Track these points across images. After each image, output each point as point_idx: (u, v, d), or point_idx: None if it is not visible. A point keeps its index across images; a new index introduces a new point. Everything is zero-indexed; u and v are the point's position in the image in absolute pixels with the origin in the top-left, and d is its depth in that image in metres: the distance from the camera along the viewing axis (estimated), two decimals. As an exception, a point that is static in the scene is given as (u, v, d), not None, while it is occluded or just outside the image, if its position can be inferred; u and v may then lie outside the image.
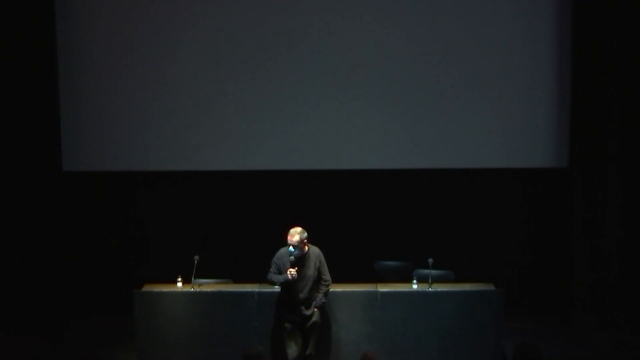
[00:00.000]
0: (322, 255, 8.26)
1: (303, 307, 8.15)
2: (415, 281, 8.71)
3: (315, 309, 8.23)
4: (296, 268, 8.04)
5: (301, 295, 8.13)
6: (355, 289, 8.61)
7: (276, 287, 8.37)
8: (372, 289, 8.63)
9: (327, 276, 8.26)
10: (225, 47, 10.07)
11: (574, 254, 9.99)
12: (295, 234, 8.08)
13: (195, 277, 8.60)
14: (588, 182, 9.88)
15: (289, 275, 8.02)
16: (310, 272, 8.13)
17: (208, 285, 8.85)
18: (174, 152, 10.18)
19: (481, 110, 10.05)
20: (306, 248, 8.17)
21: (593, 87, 9.76)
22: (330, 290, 8.43)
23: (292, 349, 8.17)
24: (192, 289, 8.64)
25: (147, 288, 8.75)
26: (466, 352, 8.47)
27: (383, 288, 8.65)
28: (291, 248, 8.07)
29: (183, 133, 10.16)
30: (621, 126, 9.77)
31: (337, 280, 8.44)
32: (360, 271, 8.99)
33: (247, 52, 10.06)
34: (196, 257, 8.56)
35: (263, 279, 8.38)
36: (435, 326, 8.48)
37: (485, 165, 10.15)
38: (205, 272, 8.72)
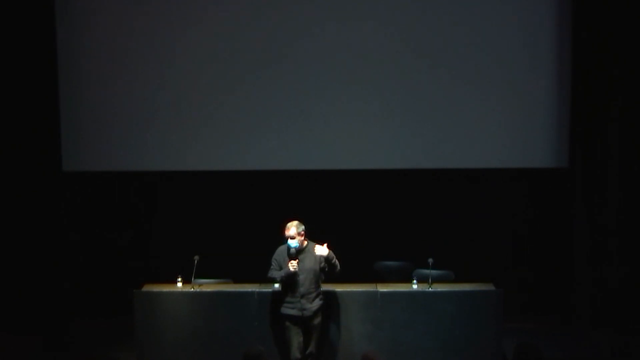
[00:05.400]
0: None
1: (304, 301, 8.14)
2: (415, 281, 8.70)
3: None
4: (297, 260, 8.05)
5: (302, 289, 8.12)
6: (355, 289, 8.61)
7: (276, 285, 8.38)
8: (372, 289, 8.63)
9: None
10: (225, 47, 10.08)
11: (574, 253, 10.00)
12: (292, 227, 8.10)
13: (195, 277, 8.60)
14: (588, 182, 9.88)
15: (290, 268, 8.02)
16: (310, 265, 8.13)
17: (208, 285, 8.85)
18: (174, 152, 10.19)
19: (481, 110, 10.05)
20: (305, 242, 8.17)
21: (593, 87, 9.76)
22: (331, 290, 8.45)
23: (294, 348, 8.17)
24: (192, 289, 8.64)
25: (147, 288, 8.75)
26: (466, 352, 8.47)
27: (383, 288, 8.65)
28: (290, 242, 8.08)
29: (183, 133, 10.16)
30: (621, 126, 9.77)
31: (337, 280, 8.44)
32: (360, 271, 8.98)
33: (247, 52, 10.06)
34: (196, 257, 8.56)
35: (263, 279, 8.38)
36: (435, 326, 8.48)
37: (485, 165, 10.15)
38: (205, 272, 8.72)
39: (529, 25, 9.95)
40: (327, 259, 8.15)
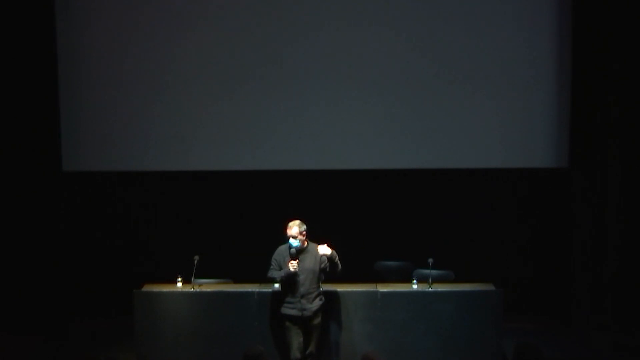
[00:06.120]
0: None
1: (304, 301, 8.13)
2: (415, 281, 8.70)
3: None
4: (297, 261, 8.05)
5: (302, 289, 8.12)
6: (355, 289, 8.61)
7: (276, 285, 8.38)
8: (372, 289, 8.63)
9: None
10: (225, 47, 10.08)
11: (574, 253, 10.00)
12: (294, 226, 8.10)
13: (195, 277, 8.60)
14: (588, 182, 9.88)
15: (290, 268, 8.02)
16: (311, 265, 8.13)
17: (208, 285, 8.84)
18: (174, 152, 10.19)
19: (481, 110, 10.06)
20: (306, 243, 8.17)
21: (593, 87, 9.76)
22: (331, 290, 8.45)
23: (294, 348, 8.17)
24: (192, 289, 8.64)
25: (147, 288, 8.74)
26: (466, 352, 8.47)
27: (383, 288, 8.64)
28: (291, 241, 8.08)
29: (183, 133, 10.16)
30: (621, 126, 9.77)
31: (337, 280, 8.44)
32: (360, 271, 8.98)
33: (248, 52, 10.06)
34: (196, 257, 8.56)
35: (263, 279, 8.38)
36: (435, 326, 8.47)
37: (485, 165, 10.15)
38: (205, 272, 8.72)
39: (529, 25, 9.95)
40: (330, 258, 8.15)
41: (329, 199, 10.19)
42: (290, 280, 8.12)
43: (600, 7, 9.65)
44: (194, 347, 8.54)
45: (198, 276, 8.64)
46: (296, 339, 8.17)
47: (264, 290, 8.57)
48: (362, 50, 10.01)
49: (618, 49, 9.67)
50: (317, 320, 8.23)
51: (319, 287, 8.24)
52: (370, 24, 10.00)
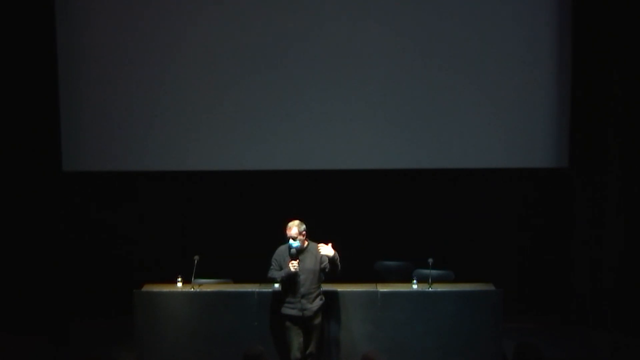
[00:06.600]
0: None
1: (304, 301, 8.13)
2: (415, 281, 8.70)
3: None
4: (297, 261, 8.05)
5: (302, 289, 8.12)
6: (355, 289, 8.61)
7: (276, 285, 8.38)
8: (372, 289, 8.63)
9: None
10: (225, 47, 10.08)
11: (574, 254, 10.00)
12: (294, 226, 8.11)
13: (195, 277, 8.60)
14: (588, 182, 9.89)
15: (291, 268, 8.02)
16: (311, 265, 8.13)
17: (208, 285, 8.85)
18: (174, 152, 10.19)
19: (481, 110, 10.06)
20: (306, 242, 8.17)
21: (593, 87, 9.76)
22: (331, 290, 8.45)
23: (294, 348, 8.17)
24: (192, 289, 8.64)
25: (147, 288, 8.74)
26: (466, 352, 8.47)
27: (383, 288, 8.65)
28: (291, 241, 8.08)
29: (183, 133, 10.17)
30: (621, 126, 9.77)
31: (337, 280, 8.44)
32: (360, 271, 8.98)
33: (248, 52, 10.06)
34: (196, 257, 8.56)
35: (263, 279, 8.38)
36: (435, 326, 8.48)
37: (485, 165, 10.15)
38: (205, 272, 8.72)
39: (529, 25, 9.95)
40: (332, 259, 8.15)
41: (329, 199, 10.18)
42: (290, 281, 8.12)
43: (600, 7, 9.66)
44: (194, 347, 8.54)
45: (198, 276, 8.64)
46: (296, 339, 8.17)
47: (264, 290, 8.57)
48: (362, 50, 10.01)
49: (618, 49, 9.66)
50: (318, 320, 8.24)
51: (319, 287, 8.24)
52: (370, 25, 10.00)
